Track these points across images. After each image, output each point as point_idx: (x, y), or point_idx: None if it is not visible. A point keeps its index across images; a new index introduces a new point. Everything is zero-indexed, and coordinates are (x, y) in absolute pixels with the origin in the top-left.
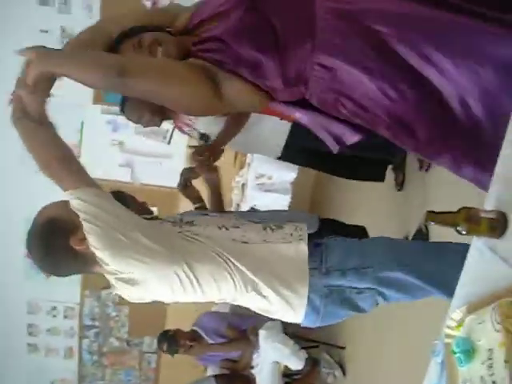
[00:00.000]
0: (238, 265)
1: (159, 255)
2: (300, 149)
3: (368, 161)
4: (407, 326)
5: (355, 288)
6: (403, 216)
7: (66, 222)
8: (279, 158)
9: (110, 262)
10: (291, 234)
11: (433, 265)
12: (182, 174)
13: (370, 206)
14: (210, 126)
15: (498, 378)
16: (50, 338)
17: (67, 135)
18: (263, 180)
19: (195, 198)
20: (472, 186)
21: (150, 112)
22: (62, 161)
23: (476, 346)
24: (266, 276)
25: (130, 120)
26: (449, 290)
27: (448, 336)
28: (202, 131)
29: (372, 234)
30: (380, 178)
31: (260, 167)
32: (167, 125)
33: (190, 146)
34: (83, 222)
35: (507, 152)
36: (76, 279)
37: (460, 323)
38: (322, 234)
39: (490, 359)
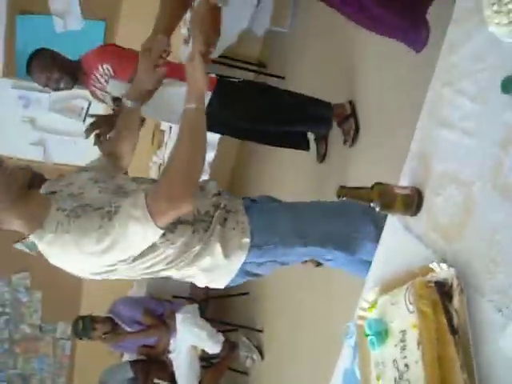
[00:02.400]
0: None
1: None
2: (221, 119)
3: (292, 132)
4: (323, 310)
5: (255, 262)
6: (322, 189)
7: None
8: None
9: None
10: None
11: (331, 227)
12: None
13: (291, 179)
14: (122, 89)
15: (411, 360)
16: None
17: None
18: None
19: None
20: (392, 166)
21: (59, 73)
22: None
23: (389, 327)
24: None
25: (38, 82)
26: (349, 250)
27: (361, 318)
28: (115, 95)
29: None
30: (305, 147)
31: None
32: (83, 102)
33: (90, 115)
34: None
35: (422, 127)
36: None
37: (373, 304)
38: None
39: (403, 341)
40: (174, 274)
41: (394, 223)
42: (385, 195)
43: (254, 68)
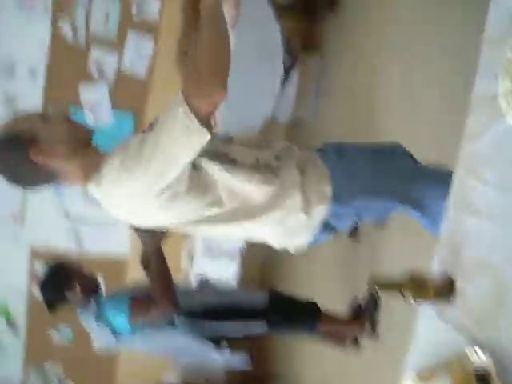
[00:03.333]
0: None
1: None
2: None
3: None
4: None
5: (335, 214)
6: (355, 270)
7: (25, 133)
8: None
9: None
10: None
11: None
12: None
13: (324, 259)
14: None
15: None
16: None
17: (10, 203)
18: (212, 246)
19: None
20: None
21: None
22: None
23: None
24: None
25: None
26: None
27: None
28: None
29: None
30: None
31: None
32: None
33: None
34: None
35: (451, 216)
36: (18, 355)
37: None
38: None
39: None
40: (249, 226)
41: (428, 311)
42: (417, 286)
43: None
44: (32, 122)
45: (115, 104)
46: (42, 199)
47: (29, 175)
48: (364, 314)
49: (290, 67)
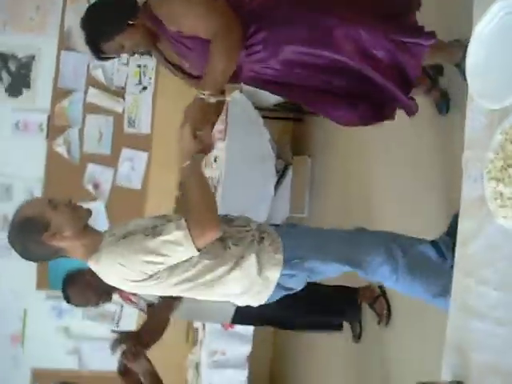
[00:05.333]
0: None
1: None
2: (252, 314)
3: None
4: None
5: (287, 275)
6: (363, 369)
7: (39, 220)
8: (232, 322)
9: None
10: None
11: (347, 249)
12: (119, 360)
13: (329, 362)
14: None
15: None
16: None
17: (9, 324)
18: (217, 357)
19: None
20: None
21: (95, 294)
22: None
23: None
24: None
25: (78, 306)
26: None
27: None
28: (150, 300)
29: None
30: (338, 328)
31: (213, 343)
32: (114, 306)
33: (113, 331)
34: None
35: (455, 322)
36: None
37: None
38: None
39: None
40: (211, 294)
41: None
42: None
43: None
44: (42, 208)
45: (113, 219)
46: (41, 318)
47: (41, 253)
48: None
49: (284, 170)
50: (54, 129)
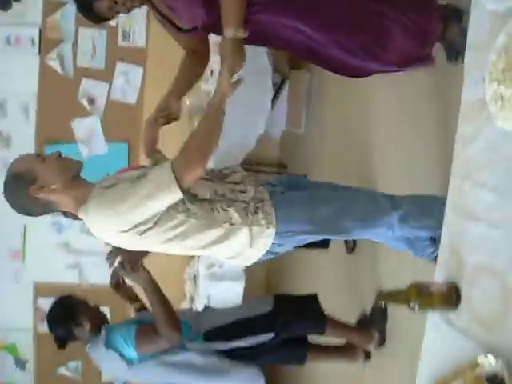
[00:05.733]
0: None
1: None
2: None
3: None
4: None
5: (276, 244)
6: (355, 281)
7: (26, 174)
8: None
9: None
10: None
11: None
12: (112, 273)
13: (326, 274)
14: None
15: None
16: None
17: (10, 240)
18: (214, 269)
19: (130, 297)
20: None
21: None
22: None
23: None
24: None
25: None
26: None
27: None
28: None
29: (324, 301)
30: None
31: (210, 256)
32: None
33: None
34: None
35: (450, 222)
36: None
37: None
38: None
39: None
40: (201, 252)
41: (435, 319)
42: (422, 295)
43: (276, 170)
44: (30, 162)
45: (109, 135)
46: (41, 234)
47: (33, 207)
48: (371, 325)
49: (280, 84)
50: (47, 43)
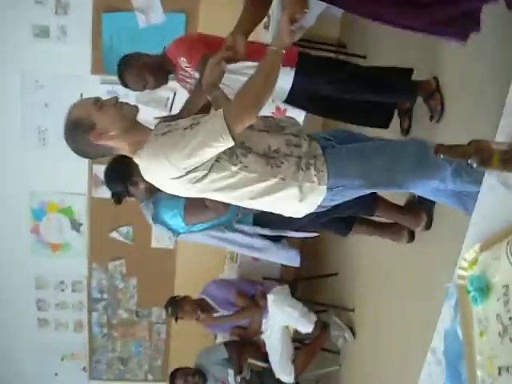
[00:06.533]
0: None
1: None
2: (306, 94)
3: (374, 107)
4: (416, 284)
5: (328, 198)
6: None
7: (85, 121)
8: (285, 102)
9: None
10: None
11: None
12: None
13: None
14: None
15: None
16: (59, 313)
17: (66, 108)
18: None
19: None
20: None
21: (152, 75)
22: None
23: (491, 283)
24: None
25: (136, 90)
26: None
27: (461, 277)
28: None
29: None
30: (385, 125)
31: None
32: (168, 93)
33: (156, 117)
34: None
35: None
36: (82, 253)
37: (474, 262)
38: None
39: (507, 295)
40: (248, 203)
41: (491, 180)
42: (482, 151)
43: (335, 49)
44: (88, 109)
45: (167, 5)
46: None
47: (91, 152)
48: (420, 208)
49: None
50: None
